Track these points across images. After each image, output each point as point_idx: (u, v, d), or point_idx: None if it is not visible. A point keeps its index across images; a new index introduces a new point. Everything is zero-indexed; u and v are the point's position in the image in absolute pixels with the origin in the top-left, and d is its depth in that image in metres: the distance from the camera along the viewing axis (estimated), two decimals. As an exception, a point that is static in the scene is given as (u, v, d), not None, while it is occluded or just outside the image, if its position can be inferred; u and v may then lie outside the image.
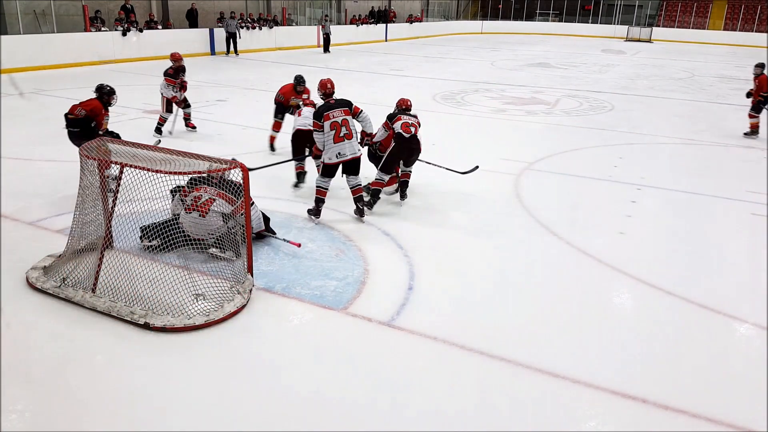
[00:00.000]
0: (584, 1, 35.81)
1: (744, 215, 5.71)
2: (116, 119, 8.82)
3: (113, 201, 3.78)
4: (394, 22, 29.31)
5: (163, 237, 3.97)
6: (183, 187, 4.23)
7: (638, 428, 2.79)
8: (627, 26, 33.05)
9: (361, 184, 5.19)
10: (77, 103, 5.68)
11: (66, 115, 5.63)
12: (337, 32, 22.87)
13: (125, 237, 3.86)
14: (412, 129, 5.39)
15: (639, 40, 31.49)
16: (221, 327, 3.43)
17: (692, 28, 33.36)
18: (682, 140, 8.93)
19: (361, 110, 5.20)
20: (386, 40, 26.89)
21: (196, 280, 3.71)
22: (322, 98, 5.18)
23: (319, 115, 4.99)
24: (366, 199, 5.36)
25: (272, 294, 3.84)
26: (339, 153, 4.99)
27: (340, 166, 5.09)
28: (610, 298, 4.08)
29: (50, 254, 4.09)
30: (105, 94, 5.69)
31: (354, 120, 5.13)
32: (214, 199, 4.22)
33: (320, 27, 21.89)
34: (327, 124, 4.96)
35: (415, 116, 5.57)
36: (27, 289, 3.75)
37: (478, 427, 2.75)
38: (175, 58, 7.96)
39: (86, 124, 5.55)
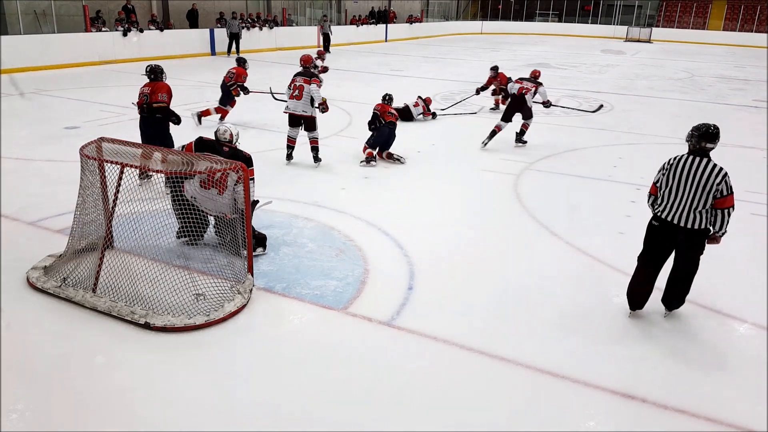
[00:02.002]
0: (584, 2, 35.82)
1: (744, 215, 5.71)
2: (116, 119, 8.84)
3: (114, 200, 3.78)
4: (394, 22, 29.33)
5: (194, 227, 4.01)
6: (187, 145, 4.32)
7: (638, 428, 2.79)
8: (626, 26, 33.06)
9: (315, 136, 6.69)
10: (143, 93, 5.95)
11: (148, 104, 5.89)
12: (337, 32, 22.88)
13: (125, 237, 3.86)
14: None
15: (638, 41, 31.50)
16: (221, 327, 3.43)
17: (692, 28, 33.38)
18: (681, 140, 8.86)
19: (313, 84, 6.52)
20: (386, 41, 26.89)
21: (196, 280, 3.72)
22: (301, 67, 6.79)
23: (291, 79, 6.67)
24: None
25: (272, 294, 3.84)
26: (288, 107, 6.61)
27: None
28: (610, 298, 4.08)
29: (51, 254, 4.09)
30: (161, 73, 5.92)
31: (309, 87, 6.46)
32: (228, 173, 4.09)
33: (319, 27, 21.90)
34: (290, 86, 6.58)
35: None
36: (27, 289, 3.76)
37: (478, 427, 2.75)
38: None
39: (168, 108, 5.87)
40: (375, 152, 7.01)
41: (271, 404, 2.85)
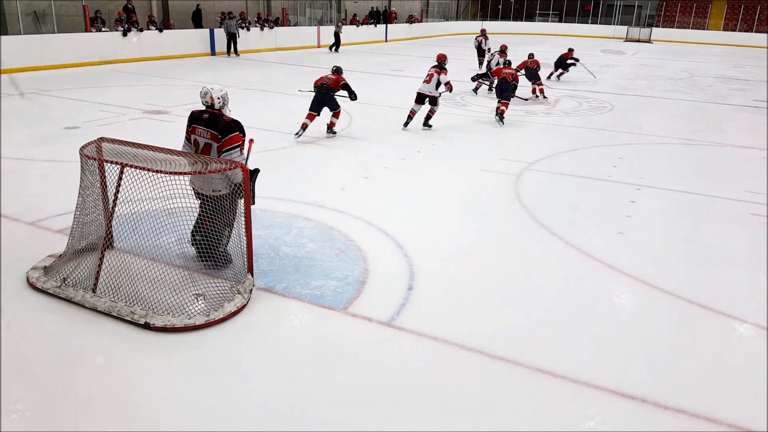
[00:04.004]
0: (584, 2, 35.82)
1: (744, 215, 5.71)
2: (116, 119, 8.85)
3: (114, 200, 3.78)
4: (394, 22, 29.33)
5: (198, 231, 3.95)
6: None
7: (638, 428, 2.79)
8: (626, 26, 33.06)
9: (434, 109, 8.97)
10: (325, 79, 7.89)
11: (327, 86, 7.83)
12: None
13: (125, 237, 3.86)
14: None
15: (638, 41, 31.50)
16: (221, 327, 3.43)
17: (691, 28, 33.38)
18: (681, 140, 8.94)
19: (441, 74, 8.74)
20: (386, 41, 26.89)
21: (196, 280, 3.72)
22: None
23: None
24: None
25: (272, 294, 3.84)
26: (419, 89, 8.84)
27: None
28: (609, 298, 4.08)
29: (50, 254, 4.09)
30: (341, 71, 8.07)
31: (439, 76, 8.69)
32: (210, 144, 3.99)
33: (336, 26, 22.39)
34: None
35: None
36: (27, 289, 3.75)
37: (478, 427, 2.75)
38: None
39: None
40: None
41: (271, 404, 2.85)
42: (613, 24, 34.33)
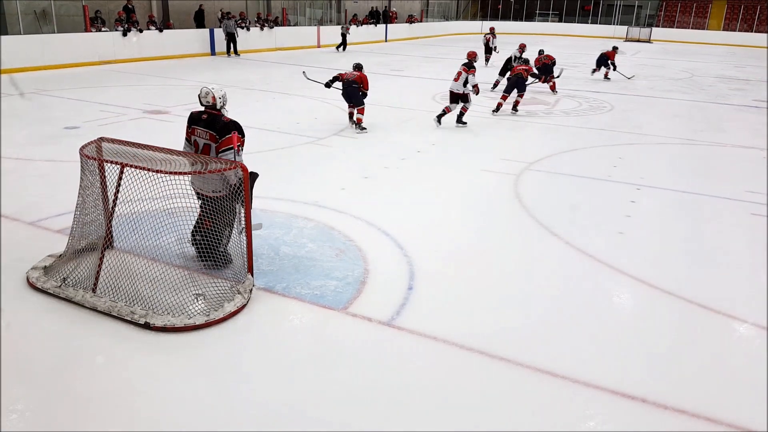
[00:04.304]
0: (584, 2, 35.82)
1: (744, 215, 5.71)
2: (116, 119, 8.85)
3: (114, 200, 3.78)
4: (395, 22, 29.33)
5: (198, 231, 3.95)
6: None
7: (638, 428, 2.79)
8: (626, 26, 33.06)
9: (466, 106, 9.09)
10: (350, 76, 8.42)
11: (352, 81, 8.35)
12: (337, 32, 22.89)
13: (125, 237, 3.86)
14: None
15: (638, 41, 31.50)
16: (221, 327, 3.43)
17: (691, 28, 33.38)
18: (681, 140, 8.94)
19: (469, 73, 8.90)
20: (386, 41, 26.89)
21: (196, 280, 3.72)
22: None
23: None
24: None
25: (272, 294, 3.84)
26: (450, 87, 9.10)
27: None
28: (610, 298, 4.08)
29: (50, 254, 4.09)
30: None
31: (466, 75, 8.86)
32: (209, 145, 3.99)
33: (346, 27, 22.97)
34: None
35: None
36: (27, 289, 3.75)
37: (478, 427, 2.75)
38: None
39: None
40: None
41: (271, 404, 2.85)
42: (613, 24, 34.32)
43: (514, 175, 6.71)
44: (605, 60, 15.24)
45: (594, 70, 15.62)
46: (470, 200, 5.95)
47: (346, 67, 9.36)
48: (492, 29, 18.70)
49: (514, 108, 10.62)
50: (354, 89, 8.48)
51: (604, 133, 9.29)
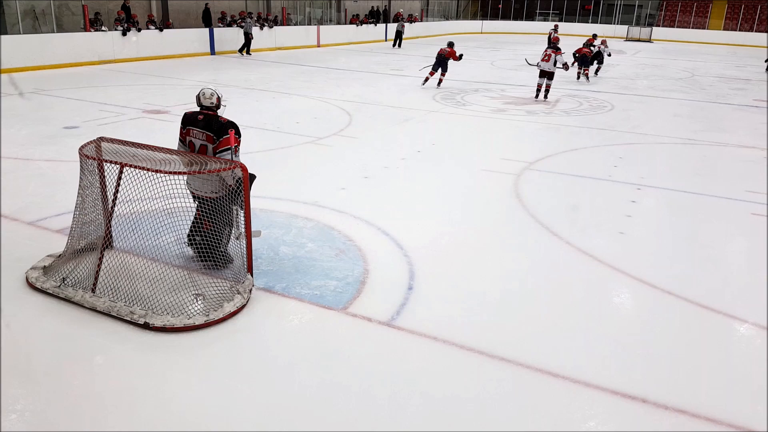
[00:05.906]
0: (584, 1, 35.82)
1: (744, 215, 5.71)
2: (116, 119, 8.85)
3: (113, 200, 3.77)
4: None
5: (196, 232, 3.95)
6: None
7: (638, 428, 2.79)
8: (627, 26, 33.08)
9: (549, 83, 11.79)
10: None
11: None
12: (337, 32, 22.90)
13: (125, 237, 3.86)
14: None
15: (639, 40, 31.51)
16: (221, 327, 3.42)
17: (692, 28, 33.39)
18: (682, 140, 8.93)
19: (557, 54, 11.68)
20: (386, 40, 26.88)
21: (196, 280, 3.72)
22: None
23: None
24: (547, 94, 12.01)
25: (272, 294, 3.84)
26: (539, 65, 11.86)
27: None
28: (610, 298, 4.08)
29: (50, 254, 4.09)
30: None
31: (555, 56, 11.53)
32: (206, 146, 3.96)
33: (402, 26, 24.26)
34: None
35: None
36: (27, 289, 3.75)
37: (478, 427, 2.74)
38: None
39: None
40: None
41: (271, 404, 2.85)
42: (614, 23, 34.32)
43: (514, 174, 6.70)
44: (594, 56, 15.81)
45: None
46: (470, 200, 5.94)
47: (345, 68, 9.33)
48: (556, 26, 22.87)
49: (585, 75, 14.52)
50: (443, 60, 12.71)
51: (605, 132, 9.28)
